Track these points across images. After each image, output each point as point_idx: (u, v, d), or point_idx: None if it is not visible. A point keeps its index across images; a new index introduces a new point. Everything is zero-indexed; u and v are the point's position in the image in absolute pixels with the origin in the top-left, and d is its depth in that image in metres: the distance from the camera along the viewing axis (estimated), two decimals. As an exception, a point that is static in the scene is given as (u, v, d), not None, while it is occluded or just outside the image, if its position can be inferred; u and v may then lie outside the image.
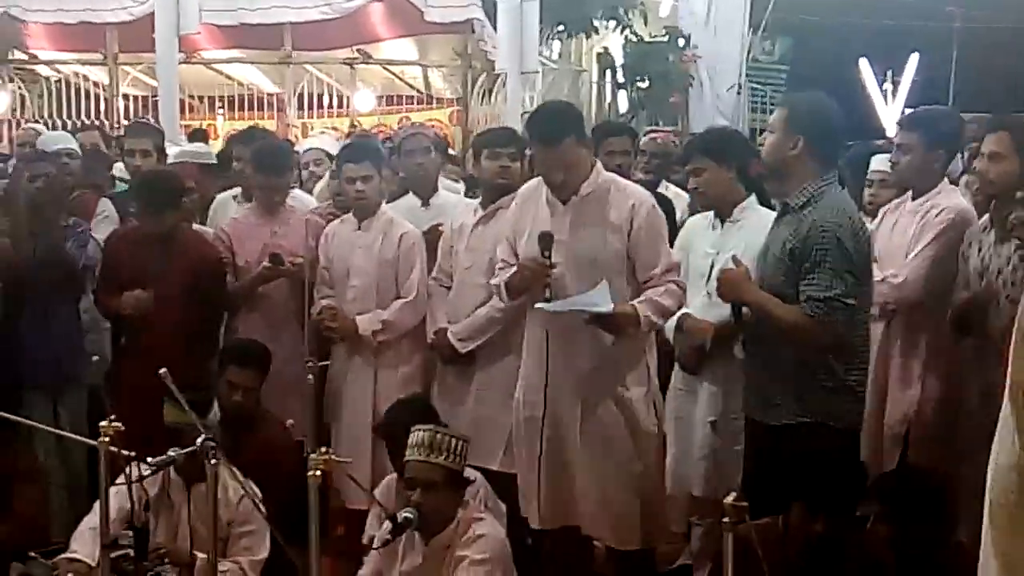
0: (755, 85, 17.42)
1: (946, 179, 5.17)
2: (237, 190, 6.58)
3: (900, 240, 5.07)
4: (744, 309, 4.42)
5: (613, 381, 4.65)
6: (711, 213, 5.09)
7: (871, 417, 4.96)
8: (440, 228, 5.75)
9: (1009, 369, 2.55)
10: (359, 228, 5.72)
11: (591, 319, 4.51)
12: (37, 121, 11.10)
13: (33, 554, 4.61)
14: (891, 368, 5.07)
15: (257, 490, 4.68)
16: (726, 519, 2.92)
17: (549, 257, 4.56)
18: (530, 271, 4.62)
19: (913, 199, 5.11)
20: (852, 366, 4.30)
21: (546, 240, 4.57)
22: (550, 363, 4.66)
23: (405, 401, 5.08)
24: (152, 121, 8.94)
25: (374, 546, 4.33)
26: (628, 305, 4.54)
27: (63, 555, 4.52)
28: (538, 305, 4.60)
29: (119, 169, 7.10)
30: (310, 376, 4.87)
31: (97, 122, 11.27)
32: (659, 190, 6.37)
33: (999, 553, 2.49)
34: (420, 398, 5.17)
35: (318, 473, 3.33)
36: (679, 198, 6.47)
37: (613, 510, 4.65)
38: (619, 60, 15.97)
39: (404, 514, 4.15)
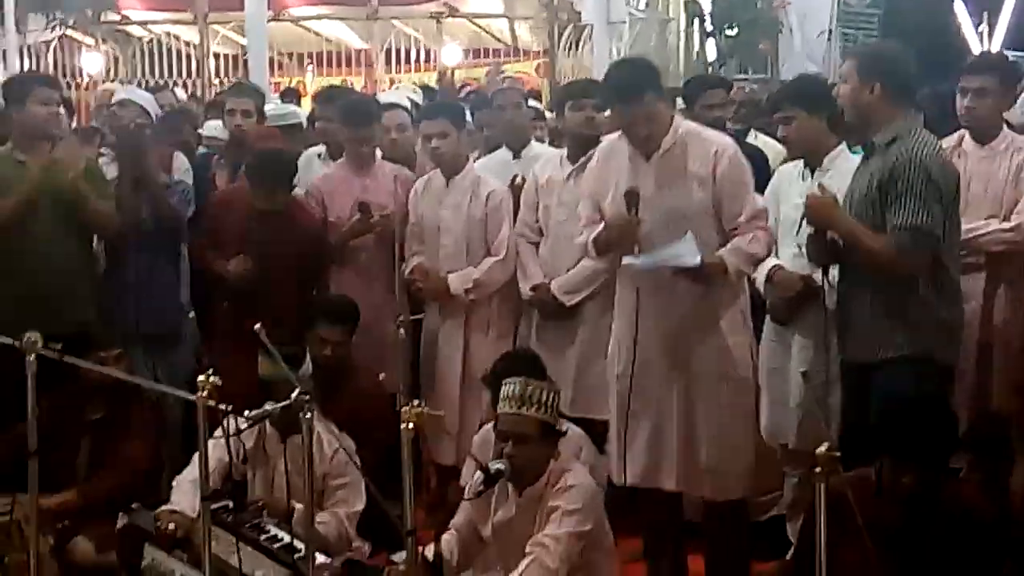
0: (846, 30, 17.08)
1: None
2: (320, 148, 6.63)
3: (982, 186, 5.02)
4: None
5: (707, 330, 4.62)
6: (801, 162, 5.05)
7: (972, 368, 4.94)
8: (521, 181, 5.75)
9: None
10: (447, 185, 5.74)
11: (679, 272, 4.49)
12: (129, 82, 11.25)
13: (136, 505, 4.73)
14: (995, 316, 5.01)
15: (351, 443, 4.75)
16: (818, 469, 2.90)
17: (636, 214, 4.54)
18: (618, 229, 4.61)
19: (980, 143, 5.07)
20: (946, 301, 4.33)
21: (632, 197, 4.55)
22: (640, 319, 4.64)
23: (513, 353, 5.10)
24: (245, 80, 9.01)
25: (466, 497, 4.37)
26: (715, 255, 4.51)
27: (164, 507, 4.61)
28: (626, 260, 4.59)
29: (213, 128, 7.18)
30: (401, 331, 4.91)
31: (189, 82, 11.41)
32: (748, 139, 6.31)
33: None
34: (528, 351, 5.18)
35: (411, 426, 3.37)
36: (767, 147, 6.40)
37: (709, 461, 4.63)
38: (707, 8, 15.79)
39: (496, 466, 4.19)
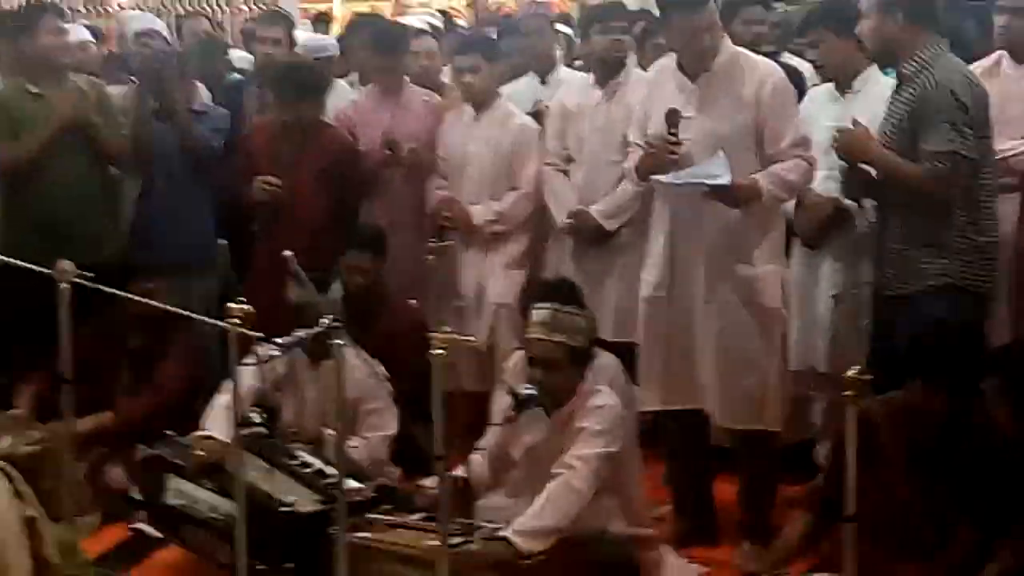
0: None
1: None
2: (352, 76, 6.59)
3: (1020, 106, 4.96)
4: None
5: (739, 257, 4.60)
6: (832, 85, 5.00)
7: (1009, 291, 4.91)
8: (545, 107, 5.71)
9: None
10: (476, 118, 5.71)
11: (711, 193, 4.46)
12: (149, 10, 11.17)
13: (169, 432, 4.77)
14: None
15: (383, 369, 4.77)
16: (848, 393, 2.90)
17: (676, 134, 4.51)
18: (658, 149, 4.58)
19: (1019, 63, 5.02)
20: (980, 227, 4.34)
21: (673, 116, 4.52)
22: (676, 241, 4.63)
23: (546, 279, 5.10)
24: (275, 6, 8.94)
25: (495, 421, 4.40)
26: (750, 178, 4.48)
27: (197, 433, 4.65)
28: (655, 177, 4.57)
29: (240, 59, 7.15)
30: (431, 256, 4.91)
31: (208, 9, 11.32)
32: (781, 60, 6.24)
33: None
34: (562, 277, 5.17)
35: (442, 352, 3.38)
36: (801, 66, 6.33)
37: (736, 388, 4.64)
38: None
39: (525, 391, 4.21)
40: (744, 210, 4.53)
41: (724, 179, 4.41)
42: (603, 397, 4.29)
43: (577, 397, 4.28)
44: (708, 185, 4.44)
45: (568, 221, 5.47)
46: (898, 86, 4.48)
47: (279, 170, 5.65)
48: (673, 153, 4.51)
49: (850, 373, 2.93)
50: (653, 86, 4.78)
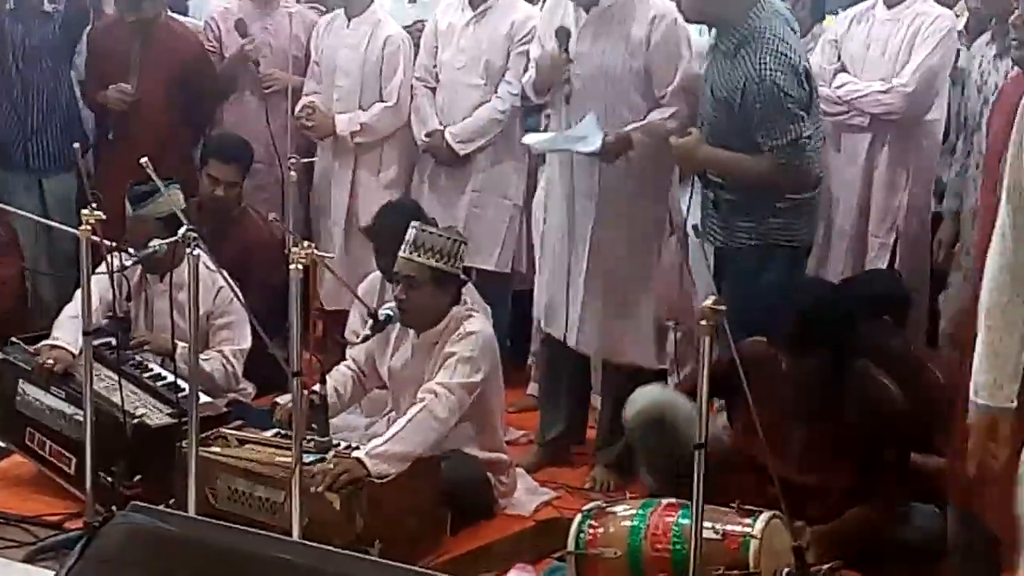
0: None
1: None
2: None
3: (880, 49, 5.06)
4: None
5: (626, 195, 4.63)
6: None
7: (853, 227, 5.07)
8: (421, 23, 5.66)
9: (1007, 170, 2.63)
10: (348, 26, 5.63)
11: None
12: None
13: (15, 339, 4.65)
14: (875, 177, 5.10)
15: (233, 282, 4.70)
16: (704, 322, 2.93)
17: (567, 51, 4.50)
18: (548, 64, 4.56)
19: (888, 7, 5.09)
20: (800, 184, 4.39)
21: (563, 35, 4.51)
22: (575, 171, 4.63)
23: (395, 204, 5.06)
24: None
25: (357, 341, 4.37)
26: (622, 132, 4.48)
27: (45, 342, 4.54)
28: (524, 140, 4.58)
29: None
30: (293, 172, 4.86)
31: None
32: None
33: (992, 353, 2.72)
34: (410, 201, 5.15)
35: (300, 267, 3.34)
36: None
37: (608, 322, 4.69)
38: None
39: (385, 311, 4.21)
40: (613, 162, 4.54)
41: (594, 145, 4.42)
42: (475, 323, 4.29)
43: (449, 320, 4.27)
44: (578, 152, 4.47)
45: (425, 140, 5.44)
46: (714, 49, 4.45)
47: (128, 71, 5.58)
48: (564, 69, 4.50)
49: (707, 303, 2.95)
50: (553, 9, 4.75)
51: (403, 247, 4.23)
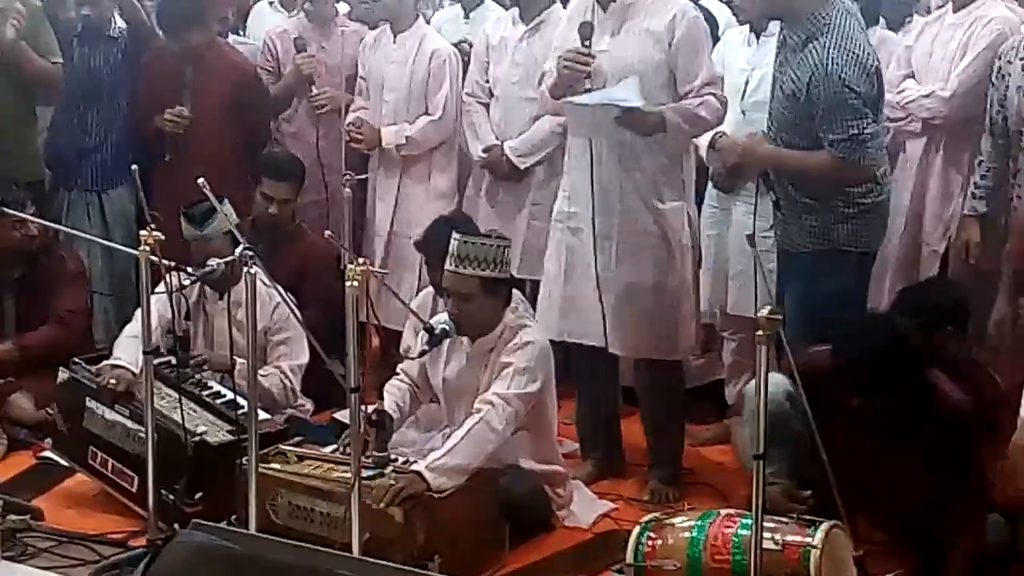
0: None
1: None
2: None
3: (942, 53, 5.03)
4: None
5: (648, 193, 4.61)
6: (746, 28, 5.01)
7: (907, 234, 5.01)
8: (469, 46, 5.69)
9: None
10: (394, 41, 5.66)
11: (622, 118, 4.42)
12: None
13: (77, 359, 4.71)
14: (930, 184, 5.07)
15: (291, 297, 4.73)
16: (760, 332, 2.92)
17: (589, 47, 4.49)
18: (571, 60, 4.52)
19: (955, 11, 5.04)
20: (871, 189, 4.33)
21: (586, 29, 4.49)
22: (595, 172, 4.61)
23: (446, 218, 5.07)
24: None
25: (413, 356, 4.38)
26: (658, 108, 4.47)
27: (107, 361, 4.59)
28: (567, 100, 4.53)
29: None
30: (347, 189, 4.89)
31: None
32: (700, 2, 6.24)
33: None
34: (461, 215, 5.16)
35: (355, 283, 3.36)
36: (719, 14, 6.33)
37: (638, 321, 4.67)
38: None
39: (440, 325, 4.19)
40: (655, 147, 4.53)
41: (634, 101, 4.38)
42: (531, 333, 4.29)
43: (504, 328, 4.28)
44: (618, 107, 4.41)
45: (483, 155, 5.46)
46: (782, 45, 4.40)
47: (181, 99, 5.64)
48: (586, 65, 4.48)
49: (762, 313, 2.94)
50: (572, 17, 4.72)
51: (448, 260, 4.23)
